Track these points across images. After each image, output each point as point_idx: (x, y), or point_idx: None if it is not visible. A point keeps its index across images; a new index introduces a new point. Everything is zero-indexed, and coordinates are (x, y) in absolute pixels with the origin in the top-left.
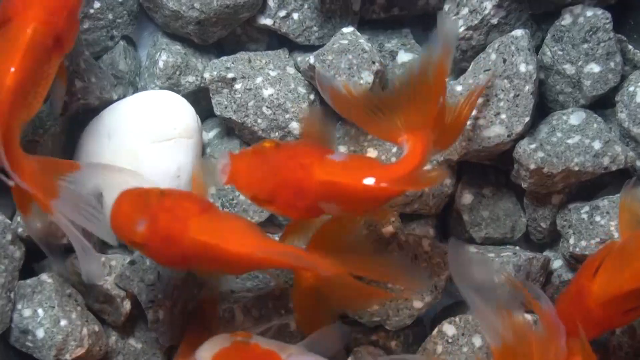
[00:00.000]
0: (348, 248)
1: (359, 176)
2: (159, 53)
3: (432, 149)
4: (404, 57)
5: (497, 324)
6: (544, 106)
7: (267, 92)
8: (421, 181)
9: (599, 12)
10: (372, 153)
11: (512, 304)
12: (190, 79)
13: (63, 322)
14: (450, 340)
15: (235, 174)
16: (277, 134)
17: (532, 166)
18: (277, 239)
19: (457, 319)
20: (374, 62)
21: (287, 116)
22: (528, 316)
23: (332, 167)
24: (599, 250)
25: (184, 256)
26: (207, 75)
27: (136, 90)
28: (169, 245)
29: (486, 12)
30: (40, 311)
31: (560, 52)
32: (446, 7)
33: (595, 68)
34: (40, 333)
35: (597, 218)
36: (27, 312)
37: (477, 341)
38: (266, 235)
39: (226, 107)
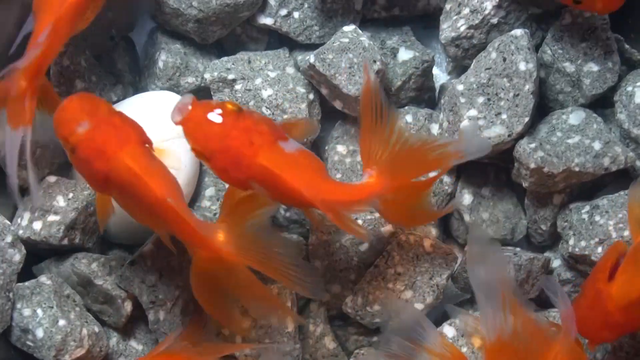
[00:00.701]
0: (251, 228)
1: (295, 175)
2: (158, 52)
3: (378, 206)
4: (404, 54)
5: (497, 318)
6: (544, 106)
7: (266, 93)
8: (344, 221)
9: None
10: None
11: (519, 300)
12: (190, 79)
13: (61, 322)
14: (450, 342)
15: (188, 120)
16: None
17: (532, 165)
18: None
19: (457, 320)
20: (375, 61)
21: (285, 116)
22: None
23: (278, 156)
24: (608, 252)
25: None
26: (207, 76)
27: (136, 90)
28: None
29: (486, 12)
30: (39, 311)
31: (560, 51)
32: (447, 6)
33: (594, 67)
34: (39, 333)
35: (597, 218)
36: (26, 312)
37: (477, 342)
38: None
39: None
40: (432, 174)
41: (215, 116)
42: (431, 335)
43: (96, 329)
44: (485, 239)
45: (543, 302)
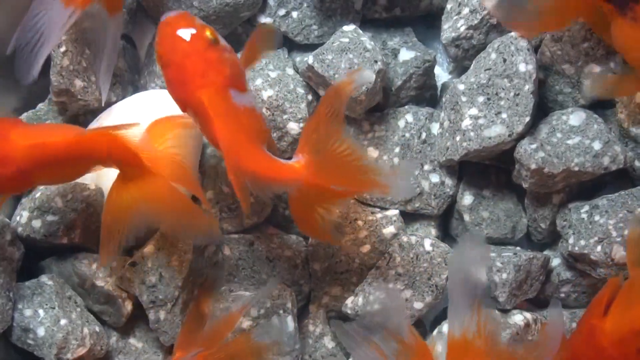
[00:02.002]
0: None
1: (225, 127)
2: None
3: (292, 193)
4: (405, 55)
5: (466, 316)
6: (544, 106)
7: (266, 93)
8: (243, 193)
9: None
10: (373, 152)
11: (488, 303)
12: None
13: (63, 321)
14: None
15: (165, 23)
16: (274, 134)
17: (533, 166)
18: None
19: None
20: (376, 61)
21: (284, 117)
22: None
23: (220, 101)
24: (604, 288)
25: None
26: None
27: (136, 89)
28: None
29: (485, 11)
30: (40, 311)
31: (559, 52)
32: (448, 6)
33: (595, 68)
34: (40, 331)
35: (597, 217)
36: (28, 312)
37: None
38: None
39: None
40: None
41: (187, 33)
42: (403, 324)
43: (97, 329)
44: (478, 240)
45: (541, 303)
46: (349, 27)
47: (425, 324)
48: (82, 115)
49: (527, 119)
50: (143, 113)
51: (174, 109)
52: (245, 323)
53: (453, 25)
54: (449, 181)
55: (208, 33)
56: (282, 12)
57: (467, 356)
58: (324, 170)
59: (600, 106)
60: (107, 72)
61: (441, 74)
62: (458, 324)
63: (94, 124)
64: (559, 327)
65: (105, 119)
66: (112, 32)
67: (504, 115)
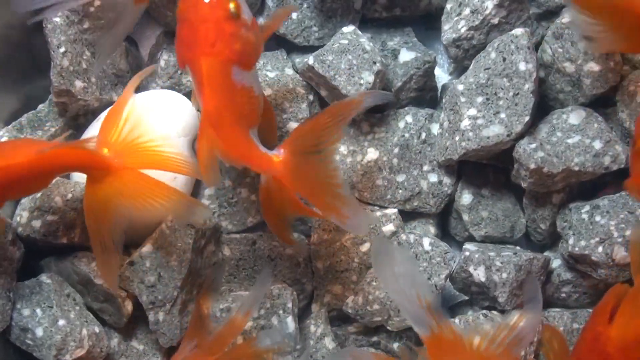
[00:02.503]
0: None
1: (215, 100)
2: (160, 52)
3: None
4: (405, 55)
5: (421, 314)
6: (544, 105)
7: (265, 93)
8: (209, 164)
9: None
10: (372, 153)
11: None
12: (191, 77)
13: (61, 322)
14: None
15: None
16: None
17: (532, 166)
18: None
19: (457, 320)
20: (374, 63)
21: (284, 116)
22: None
23: (220, 74)
24: (607, 296)
25: None
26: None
27: (137, 89)
28: None
29: (487, 12)
30: (38, 311)
31: (560, 50)
32: (448, 6)
33: (595, 66)
34: (39, 332)
35: (597, 218)
36: (26, 312)
37: (476, 341)
38: None
39: None
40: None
41: None
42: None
43: (96, 329)
44: (388, 245)
45: (543, 303)
46: (349, 29)
47: None
48: (83, 115)
49: (526, 118)
50: (144, 113)
51: (174, 110)
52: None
53: (454, 26)
54: (447, 180)
55: (232, 6)
56: None
57: (447, 350)
58: (296, 176)
59: (600, 105)
60: (110, 49)
61: (441, 75)
62: (421, 325)
63: (95, 124)
64: (536, 317)
65: None
66: (129, 18)
67: (502, 115)
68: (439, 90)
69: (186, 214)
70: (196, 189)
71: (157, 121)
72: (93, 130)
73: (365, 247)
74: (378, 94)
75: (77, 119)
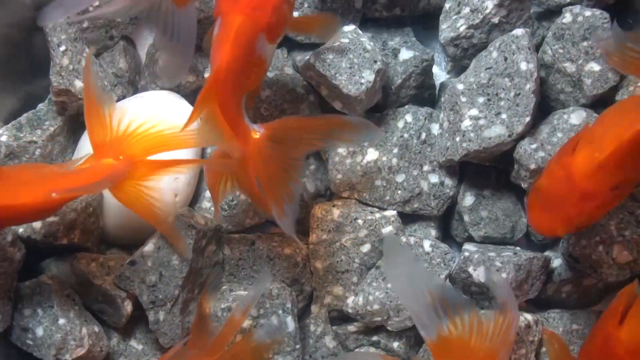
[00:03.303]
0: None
1: (225, 56)
2: (158, 52)
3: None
4: (405, 54)
5: (430, 316)
6: (545, 105)
7: (264, 93)
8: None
9: (597, 12)
10: (372, 154)
11: (451, 298)
12: (191, 79)
13: (61, 321)
14: None
15: None
16: None
17: (533, 166)
18: None
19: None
20: (375, 62)
21: (284, 117)
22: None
23: (242, 35)
24: (619, 297)
25: None
26: (207, 75)
27: (136, 89)
28: None
29: (487, 11)
30: (39, 310)
31: (560, 51)
32: (447, 5)
33: (595, 67)
34: (39, 331)
35: None
36: (27, 311)
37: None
38: None
39: None
40: None
41: None
42: None
43: (96, 329)
44: (397, 245)
45: (542, 303)
46: (349, 28)
47: None
48: (82, 114)
49: (527, 119)
50: (143, 113)
51: (173, 111)
52: (245, 322)
53: (452, 25)
54: (448, 182)
55: None
56: None
57: (452, 353)
58: (262, 157)
59: (601, 105)
60: (186, 55)
61: (439, 74)
62: (428, 327)
63: None
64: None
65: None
66: (184, 22)
67: (503, 116)
68: (437, 89)
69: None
70: (197, 190)
71: (158, 122)
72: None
73: (365, 248)
74: (374, 132)
75: (76, 118)
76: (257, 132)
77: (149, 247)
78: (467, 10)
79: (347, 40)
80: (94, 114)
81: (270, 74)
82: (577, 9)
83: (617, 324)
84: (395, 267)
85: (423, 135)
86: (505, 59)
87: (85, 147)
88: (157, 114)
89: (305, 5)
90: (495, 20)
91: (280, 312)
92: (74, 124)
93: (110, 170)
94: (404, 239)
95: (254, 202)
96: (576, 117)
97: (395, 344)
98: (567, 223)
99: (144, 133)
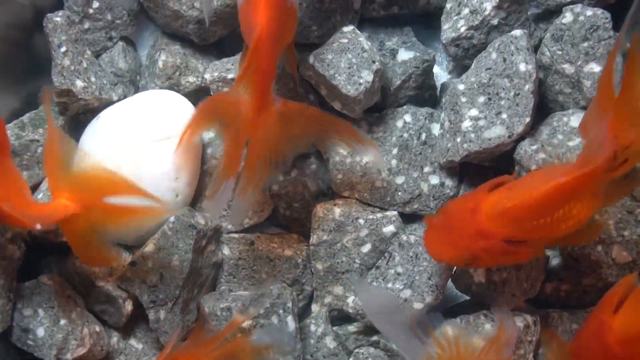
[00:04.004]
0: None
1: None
2: (158, 53)
3: None
4: (404, 55)
5: (415, 345)
6: (544, 106)
7: None
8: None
9: (599, 12)
10: (372, 154)
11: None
12: (191, 79)
13: (63, 321)
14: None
15: None
16: None
17: (534, 167)
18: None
19: (457, 319)
20: (373, 62)
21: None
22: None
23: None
24: (617, 286)
25: None
26: (207, 76)
27: (137, 89)
28: None
29: (486, 13)
30: (40, 311)
31: (559, 52)
32: (448, 5)
33: (595, 68)
34: (40, 332)
35: (596, 217)
36: (27, 312)
37: (477, 341)
38: None
39: None
40: None
41: None
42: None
43: (97, 329)
44: (366, 284)
45: (541, 303)
46: (348, 28)
47: None
48: (83, 114)
49: (527, 119)
50: (143, 113)
51: (173, 110)
52: (245, 322)
53: (453, 26)
54: (449, 182)
55: None
56: None
57: None
58: (266, 131)
59: None
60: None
61: (440, 74)
62: (415, 355)
63: (94, 123)
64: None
65: (106, 118)
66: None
67: (504, 116)
68: (438, 89)
69: (159, 211)
70: (198, 189)
71: (157, 122)
72: (92, 130)
73: (366, 248)
74: (376, 156)
75: (77, 117)
76: (275, 103)
77: (149, 247)
78: (466, 11)
79: (345, 41)
80: (52, 155)
81: None
82: (578, 8)
83: (612, 313)
84: (372, 304)
85: (423, 136)
86: (504, 59)
87: (84, 146)
88: (157, 113)
89: (304, 5)
90: (495, 22)
91: (281, 311)
92: (76, 124)
93: (61, 210)
94: (404, 238)
95: (224, 163)
96: (576, 119)
97: (395, 344)
98: (456, 253)
99: (101, 176)
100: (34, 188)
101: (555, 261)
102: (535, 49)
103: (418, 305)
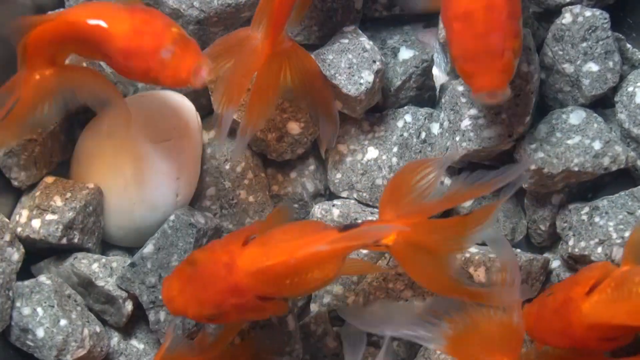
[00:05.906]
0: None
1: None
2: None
3: None
4: (405, 53)
5: (429, 329)
6: (543, 104)
7: None
8: None
9: (597, 12)
10: (372, 152)
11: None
12: None
13: (63, 322)
14: None
15: None
16: (274, 134)
17: (533, 166)
18: None
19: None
20: (374, 62)
21: (284, 116)
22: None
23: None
24: (595, 269)
25: None
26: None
27: (136, 89)
28: None
29: None
30: (39, 310)
31: (560, 52)
32: None
33: (593, 67)
34: (40, 332)
35: (597, 219)
36: (26, 311)
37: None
38: None
39: None
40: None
41: None
42: None
43: (97, 329)
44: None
45: None
46: (349, 28)
47: None
48: (82, 113)
49: (527, 118)
50: (143, 113)
51: (174, 110)
52: (245, 324)
53: None
54: (448, 181)
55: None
56: None
57: (470, 345)
58: (273, 65)
59: (600, 105)
60: None
61: (439, 75)
62: (433, 338)
63: (95, 122)
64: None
65: (107, 117)
66: None
67: (503, 116)
68: (438, 90)
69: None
70: (198, 189)
71: (157, 122)
72: (92, 130)
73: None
74: (327, 136)
75: (76, 117)
76: (286, 42)
77: (148, 248)
78: None
79: (346, 40)
80: None
81: None
82: (577, 8)
83: (584, 294)
84: (369, 323)
85: (423, 135)
86: None
87: (84, 146)
88: (157, 113)
89: None
90: None
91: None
92: (74, 123)
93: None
94: None
95: (227, 94)
96: (575, 117)
97: (395, 344)
98: (202, 309)
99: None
100: (31, 187)
101: (555, 263)
102: (538, 49)
103: (418, 305)
